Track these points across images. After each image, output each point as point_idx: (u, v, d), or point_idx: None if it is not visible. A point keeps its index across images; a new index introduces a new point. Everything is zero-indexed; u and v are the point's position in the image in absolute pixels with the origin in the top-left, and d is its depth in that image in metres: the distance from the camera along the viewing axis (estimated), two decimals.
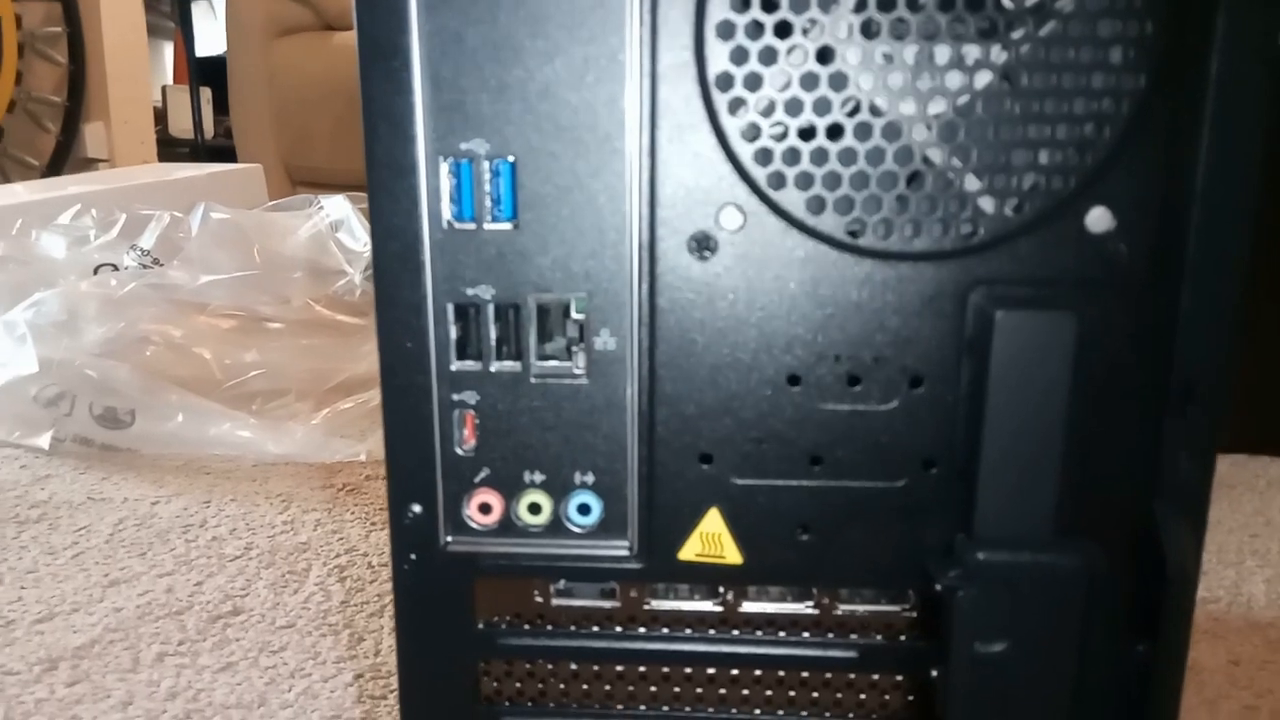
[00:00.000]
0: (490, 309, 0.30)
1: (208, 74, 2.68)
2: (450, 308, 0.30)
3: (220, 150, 2.58)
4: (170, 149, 2.66)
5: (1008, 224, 0.28)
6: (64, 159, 2.33)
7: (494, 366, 0.30)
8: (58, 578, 0.76)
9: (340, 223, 1.10)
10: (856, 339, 0.29)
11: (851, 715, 0.32)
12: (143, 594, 0.73)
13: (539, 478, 0.31)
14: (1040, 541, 0.30)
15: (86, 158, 2.38)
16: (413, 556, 0.32)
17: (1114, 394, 0.29)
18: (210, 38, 3.06)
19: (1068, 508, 0.29)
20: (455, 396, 0.30)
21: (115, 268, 1.13)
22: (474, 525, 0.31)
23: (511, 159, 0.29)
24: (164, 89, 2.86)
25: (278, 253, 1.04)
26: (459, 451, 0.31)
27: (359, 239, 1.07)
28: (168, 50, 3.39)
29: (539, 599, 0.32)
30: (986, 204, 0.28)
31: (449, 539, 0.31)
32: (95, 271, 1.14)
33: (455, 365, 0.30)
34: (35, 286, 1.05)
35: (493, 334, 0.30)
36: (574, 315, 0.30)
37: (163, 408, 1.00)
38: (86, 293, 1.05)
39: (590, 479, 0.31)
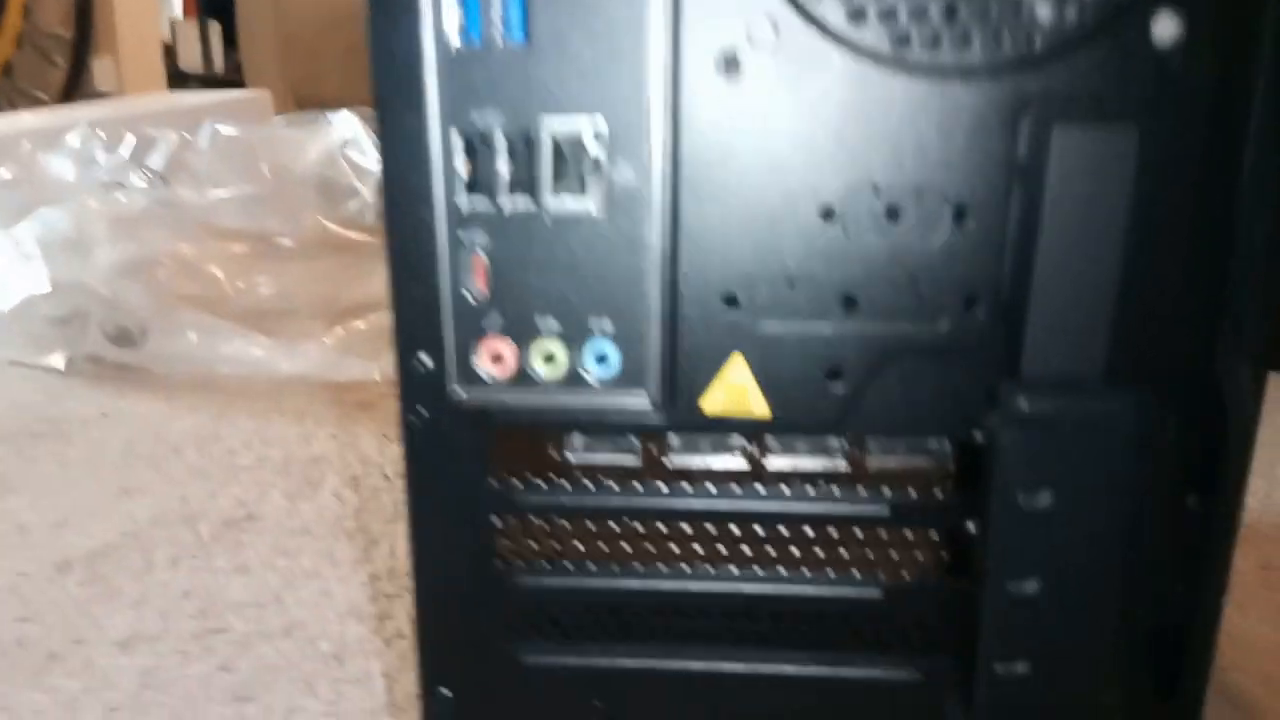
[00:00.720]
0: (500, 138, 0.28)
1: (216, 7, 2.63)
2: (457, 136, 0.28)
3: (230, 84, 2.55)
4: (180, 84, 2.62)
5: (1067, 34, 0.26)
6: (73, 93, 2.30)
7: (505, 203, 0.28)
8: (72, 488, 0.76)
9: (350, 140, 1.07)
10: (897, 167, 0.27)
11: (882, 574, 0.31)
12: (156, 503, 0.73)
13: (554, 325, 0.29)
14: (1090, 386, 0.28)
15: (96, 92, 2.35)
16: (421, 409, 0.30)
17: (1176, 226, 0.27)
18: None
19: (1121, 349, 0.27)
20: (464, 235, 0.28)
21: (125, 187, 1.11)
22: (486, 376, 0.30)
23: None
24: (172, 22, 2.82)
25: (287, 170, 1.02)
26: (468, 296, 0.29)
27: (369, 155, 1.05)
28: None
29: (556, 454, 0.31)
30: (1044, 11, 0.26)
31: (460, 391, 0.30)
32: (105, 192, 1.12)
33: (463, 201, 0.28)
34: (44, 207, 1.04)
35: (503, 167, 0.28)
36: (590, 147, 0.28)
37: (174, 326, 0.99)
38: (96, 210, 1.03)
39: (608, 326, 0.29)
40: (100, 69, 2.33)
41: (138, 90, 2.37)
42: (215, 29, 2.68)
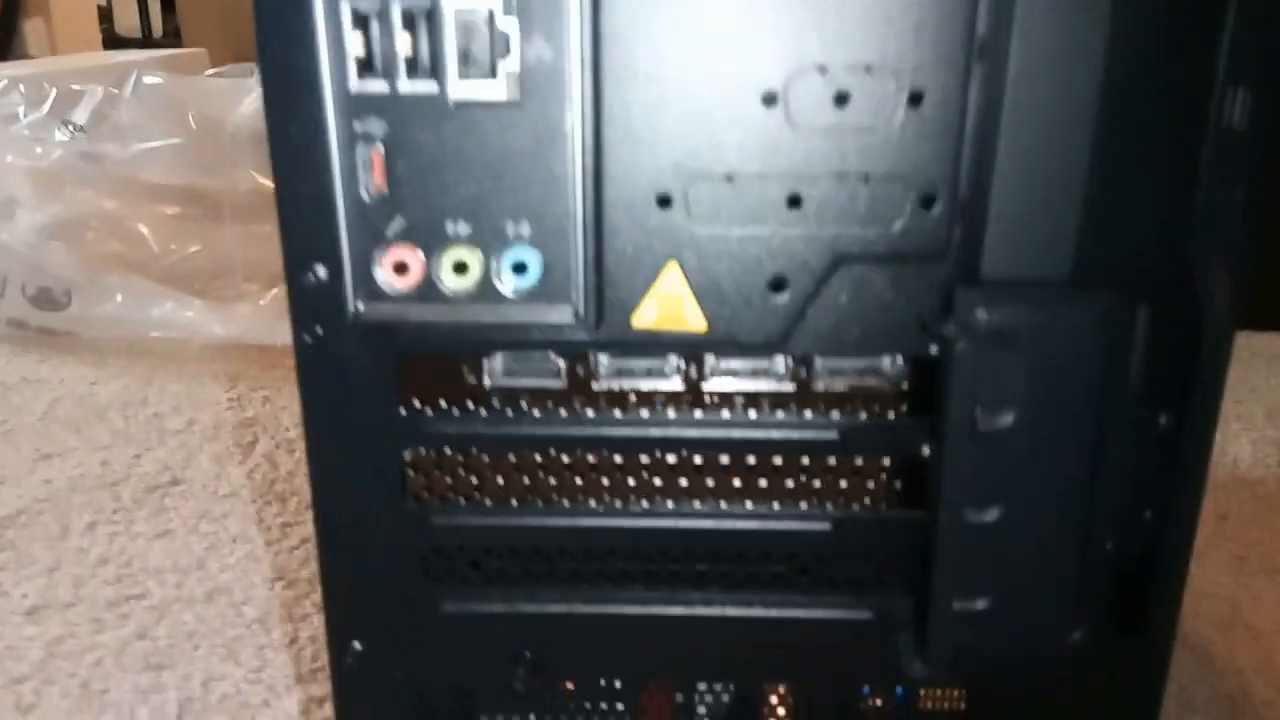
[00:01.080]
0: (396, 11, 0.24)
1: None
2: (346, 10, 0.24)
3: (168, 48, 2.45)
4: (116, 47, 2.52)
5: None
6: (3, 56, 2.20)
7: (404, 87, 0.25)
8: None
9: None
10: (846, 44, 0.24)
11: (831, 506, 0.28)
12: (75, 467, 0.68)
13: (464, 229, 0.26)
14: (1056, 291, 0.25)
15: (27, 55, 2.25)
16: (318, 329, 0.27)
17: (1151, 110, 0.24)
18: None
19: (1089, 250, 0.25)
20: (358, 127, 0.25)
21: (47, 143, 1.05)
22: (389, 289, 0.26)
23: None
24: None
25: (217, 122, 0.97)
26: (366, 197, 0.26)
27: None
28: None
29: (471, 378, 0.27)
30: None
31: (360, 306, 0.26)
32: (27, 148, 1.06)
33: (356, 86, 0.25)
34: None
35: (401, 45, 0.25)
36: (500, 20, 0.24)
37: (100, 288, 0.94)
38: (16, 168, 0.97)
39: (526, 230, 0.26)
40: (32, 31, 2.23)
41: (71, 53, 2.27)
42: None
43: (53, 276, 0.95)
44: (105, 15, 2.68)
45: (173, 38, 2.51)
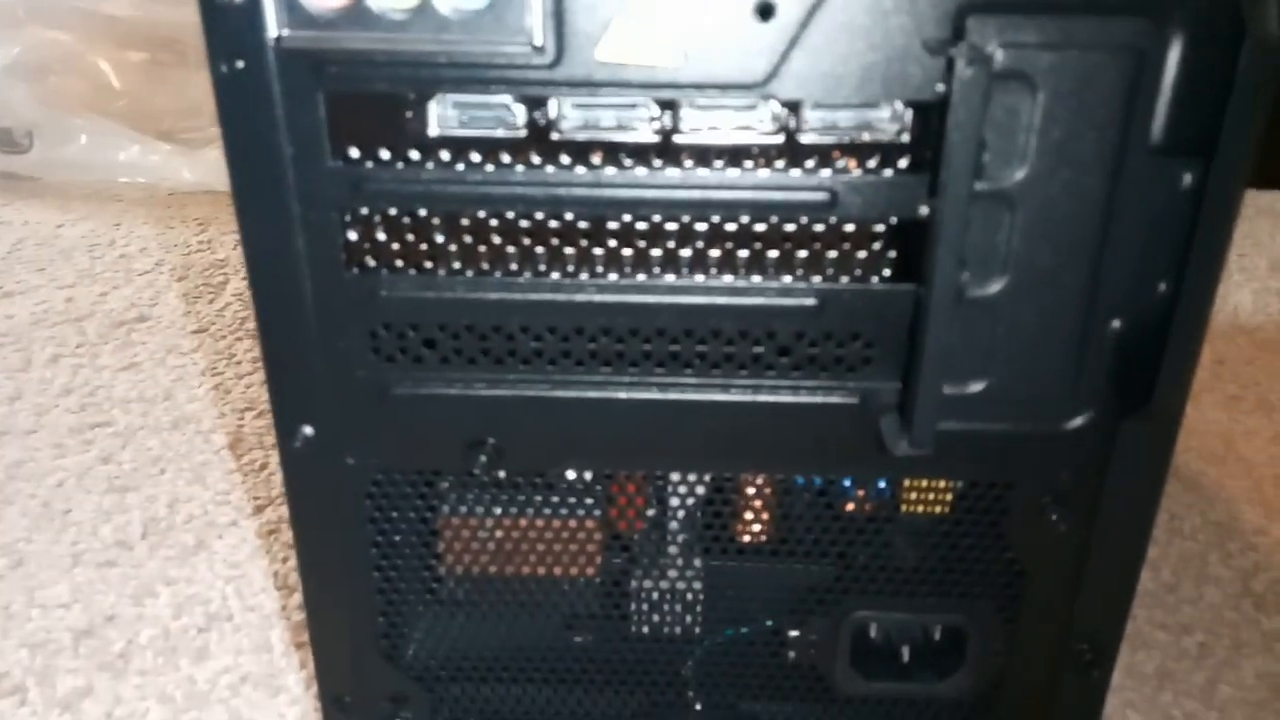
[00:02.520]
0: None
1: None
2: None
3: None
4: None
5: None
6: None
7: None
8: None
9: None
10: None
11: (816, 278, 0.25)
12: (39, 304, 0.66)
13: None
14: (1077, 14, 0.22)
15: None
16: (237, 60, 0.23)
17: None
18: None
19: None
20: None
21: None
22: (315, 10, 0.23)
23: None
24: None
25: None
26: None
27: None
28: None
29: (414, 122, 0.24)
30: None
31: (283, 32, 0.23)
32: None
33: None
34: None
35: None
36: None
37: (63, 130, 0.89)
38: None
39: None
40: None
41: None
42: None
43: (13, 117, 0.90)
44: None
45: None
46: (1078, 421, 0.26)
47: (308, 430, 0.28)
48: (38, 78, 0.93)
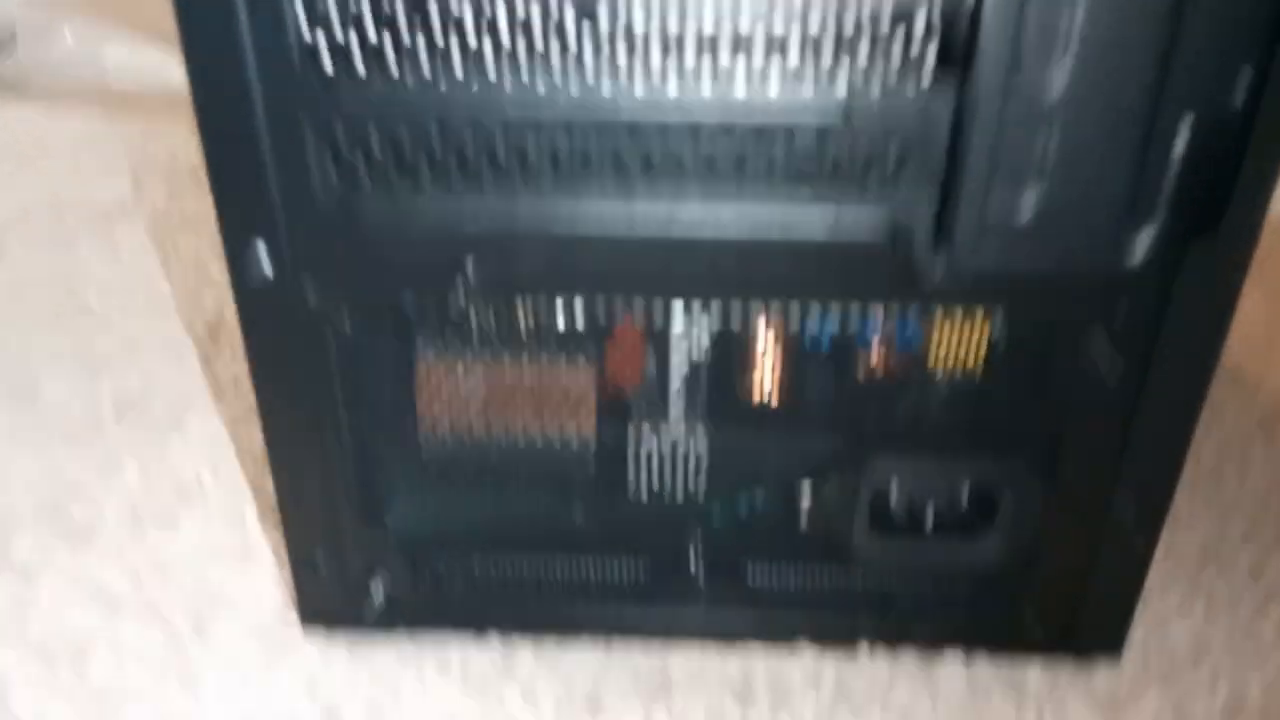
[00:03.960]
0: None
1: None
2: None
3: None
4: None
5: None
6: None
7: None
8: None
9: None
10: None
11: (844, 71, 0.22)
12: (21, 197, 0.63)
13: None
14: None
15: None
16: None
17: None
18: None
19: None
20: None
21: None
22: None
23: None
24: None
25: None
26: None
27: None
28: None
29: None
30: None
31: None
32: None
33: None
34: None
35: None
36: None
37: (48, 30, 0.85)
38: None
39: None
40: None
41: None
42: None
43: None
44: None
45: None
46: (1138, 245, 0.23)
47: (264, 266, 0.25)
48: None
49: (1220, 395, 0.43)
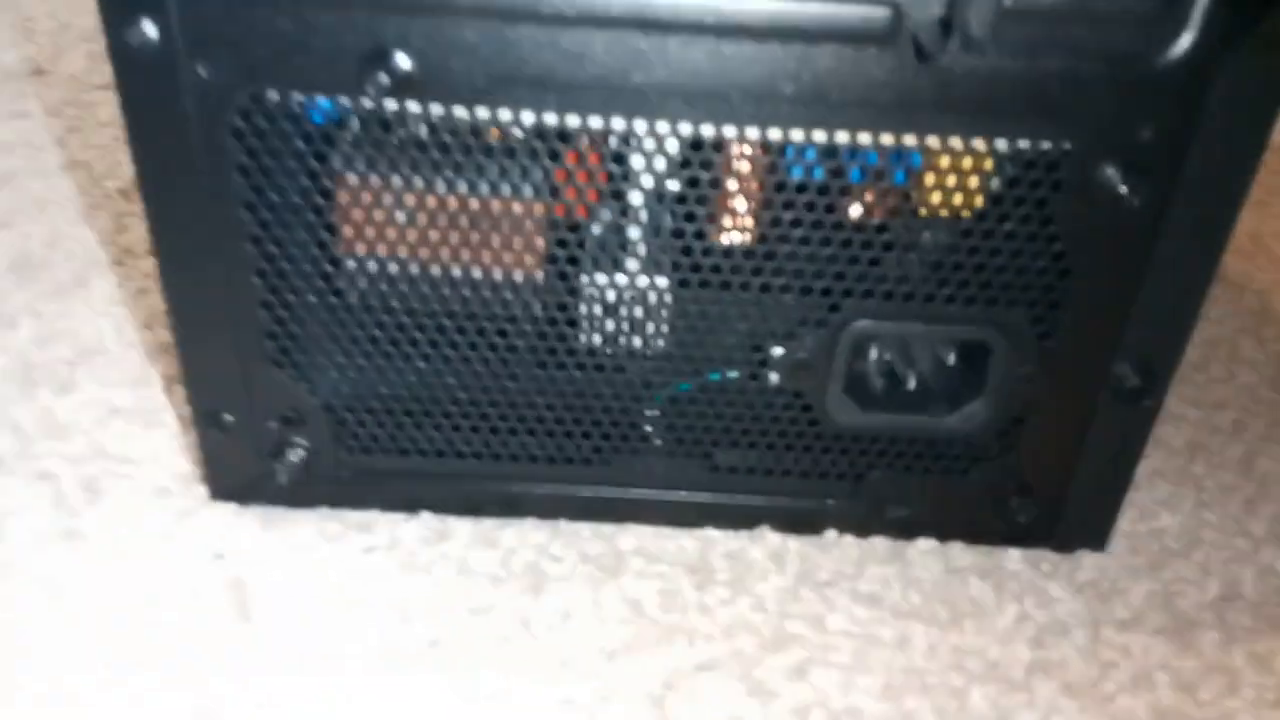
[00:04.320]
0: None
1: None
2: None
3: None
4: None
5: None
6: None
7: None
8: None
9: None
10: None
11: None
12: None
13: None
14: None
15: None
16: None
17: None
18: None
19: None
20: None
21: None
22: None
23: None
24: None
25: None
26: None
27: None
28: None
29: None
30: None
31: None
32: None
33: None
34: None
35: None
36: None
37: None
38: None
39: None
40: None
41: None
42: None
43: None
44: None
45: None
46: (1173, 49, 0.20)
47: (147, 25, 0.21)
48: None
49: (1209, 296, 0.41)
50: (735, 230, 0.24)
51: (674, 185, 0.23)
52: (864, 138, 0.22)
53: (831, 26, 0.20)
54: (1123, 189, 0.21)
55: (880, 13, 0.20)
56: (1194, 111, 0.21)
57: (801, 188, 0.23)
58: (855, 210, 0.24)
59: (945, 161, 0.23)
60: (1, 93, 0.53)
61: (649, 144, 0.23)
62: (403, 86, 0.21)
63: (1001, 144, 0.22)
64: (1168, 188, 0.21)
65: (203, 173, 0.22)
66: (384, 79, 0.21)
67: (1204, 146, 0.21)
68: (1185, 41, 0.20)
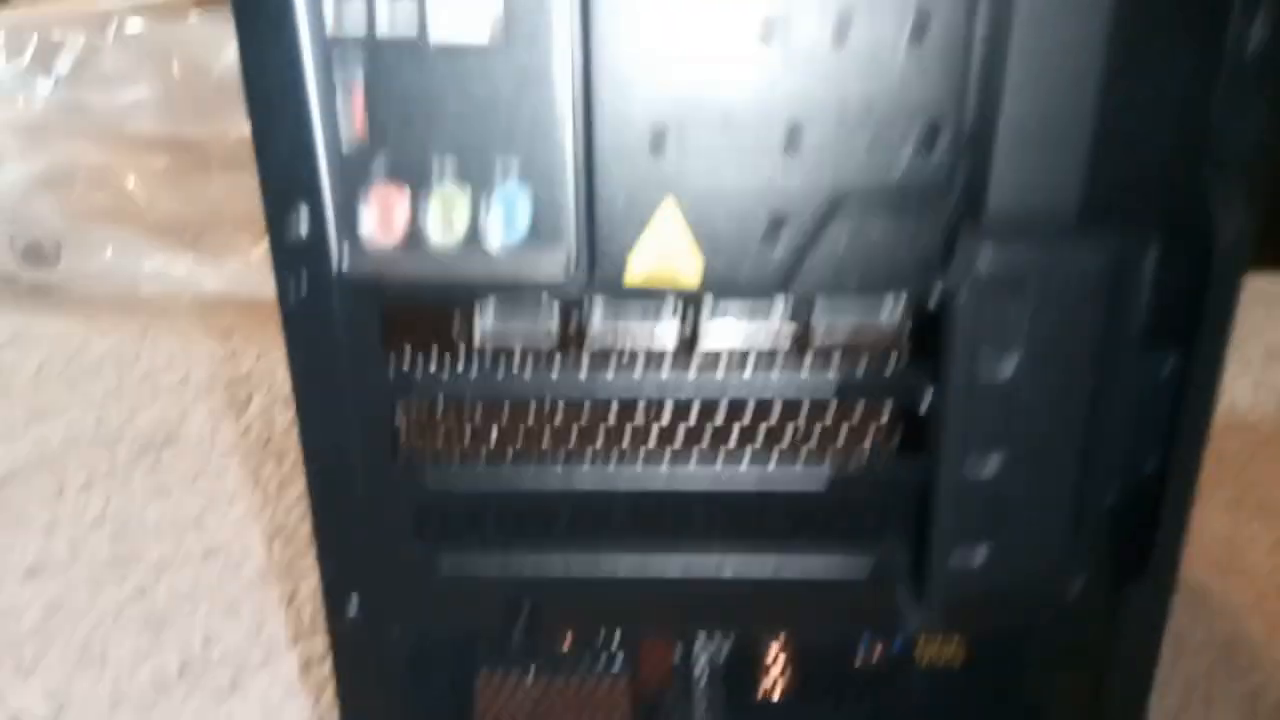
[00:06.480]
0: None
1: None
2: None
3: None
4: None
5: None
6: None
7: (383, 19, 0.24)
8: None
9: None
10: None
11: (829, 460, 0.27)
12: (70, 424, 0.68)
13: (451, 170, 0.25)
14: (1061, 229, 0.24)
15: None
16: (302, 284, 0.26)
17: (1163, 37, 0.23)
18: None
19: (1097, 187, 0.24)
20: (336, 63, 0.24)
21: (30, 92, 1.03)
22: (374, 243, 0.25)
23: None
24: None
25: (203, 69, 0.94)
26: (346, 140, 0.25)
27: None
28: None
29: (461, 329, 0.27)
30: None
31: (345, 261, 0.25)
32: (9, 101, 1.03)
33: (331, 18, 0.24)
34: None
35: None
36: None
37: (90, 242, 0.92)
38: (1, 120, 0.95)
39: (515, 169, 0.25)
40: None
41: None
42: None
43: (42, 231, 0.93)
44: None
45: None
46: (1077, 589, 0.28)
47: (354, 603, 0.30)
48: (64, 190, 0.97)
49: (1186, 619, 0.48)
50: (772, 690, 0.32)
51: (723, 667, 0.31)
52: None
53: (833, 586, 0.29)
54: (1064, 668, 0.29)
55: (865, 579, 0.28)
56: (1104, 620, 0.28)
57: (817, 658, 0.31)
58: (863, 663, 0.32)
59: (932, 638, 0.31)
60: (141, 465, 0.63)
61: (703, 644, 0.31)
62: (533, 624, 0.30)
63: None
64: (1098, 665, 0.29)
65: (385, 688, 0.31)
66: (520, 625, 0.29)
67: (1117, 640, 0.29)
68: (1084, 584, 0.28)
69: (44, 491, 0.60)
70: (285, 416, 0.69)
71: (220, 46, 0.97)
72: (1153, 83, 0.23)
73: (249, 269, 0.91)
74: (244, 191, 1.06)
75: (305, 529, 0.57)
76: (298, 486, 0.60)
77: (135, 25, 0.94)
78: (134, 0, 1.59)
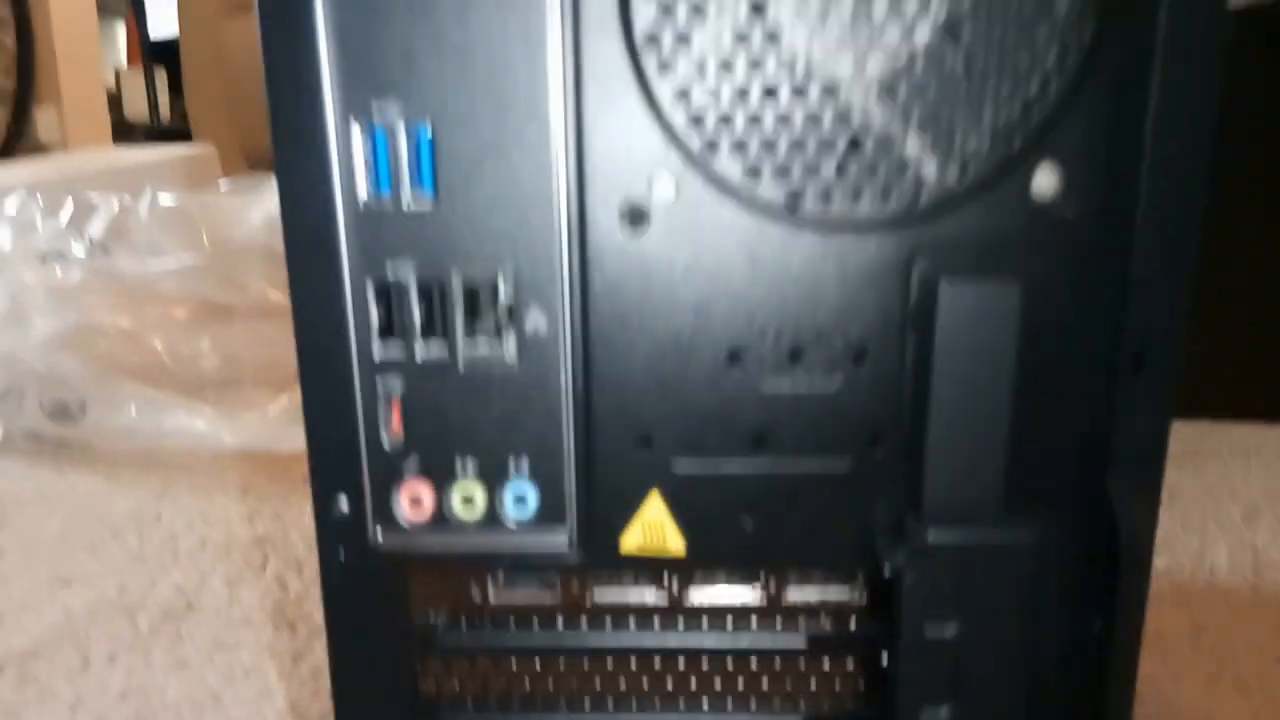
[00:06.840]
0: (413, 287, 0.28)
1: (162, 55, 2.62)
2: (370, 286, 0.28)
3: (177, 134, 2.53)
4: (125, 134, 2.60)
5: (951, 189, 0.27)
6: (15, 144, 2.27)
7: (419, 350, 0.29)
8: (6, 578, 0.74)
9: None
10: (797, 313, 0.28)
11: (802, 703, 0.31)
12: (94, 592, 0.71)
13: (471, 468, 0.29)
14: (990, 518, 0.29)
15: (38, 142, 2.31)
16: (342, 555, 0.30)
17: (1064, 361, 0.28)
18: (164, 17, 2.99)
19: (1017, 482, 0.28)
20: (380, 384, 0.29)
21: (63, 256, 1.10)
22: (404, 520, 0.30)
23: (428, 124, 0.27)
24: (117, 71, 2.79)
25: (229, 239, 1.02)
26: (385, 442, 0.29)
27: None
28: (120, 30, 3.31)
29: (477, 593, 0.31)
30: (929, 169, 0.27)
31: (379, 535, 0.30)
32: (43, 261, 1.10)
33: (378, 350, 0.29)
34: None
35: (417, 315, 0.28)
36: (503, 295, 0.28)
37: (114, 399, 0.97)
38: (33, 284, 1.01)
39: (525, 467, 0.29)
40: (43, 119, 2.30)
41: (82, 139, 2.34)
42: (161, 77, 2.66)
43: (68, 388, 0.98)
44: (114, 102, 2.77)
45: (180, 121, 2.60)
46: None
47: None
48: (89, 348, 1.03)
49: None
50: None
51: None
52: None
53: None
54: None
55: None
56: None
57: None
58: None
59: None
60: (162, 636, 0.66)
61: None
62: None
63: None
64: None
65: None
66: None
67: None
68: None
69: (70, 665, 0.62)
70: (298, 582, 0.73)
71: (245, 216, 1.04)
72: (1055, 397, 0.28)
73: (263, 424, 0.96)
74: (260, 341, 1.12)
75: (318, 707, 0.59)
76: (310, 661, 0.63)
77: (168, 198, 1.02)
78: (159, 151, 1.69)
